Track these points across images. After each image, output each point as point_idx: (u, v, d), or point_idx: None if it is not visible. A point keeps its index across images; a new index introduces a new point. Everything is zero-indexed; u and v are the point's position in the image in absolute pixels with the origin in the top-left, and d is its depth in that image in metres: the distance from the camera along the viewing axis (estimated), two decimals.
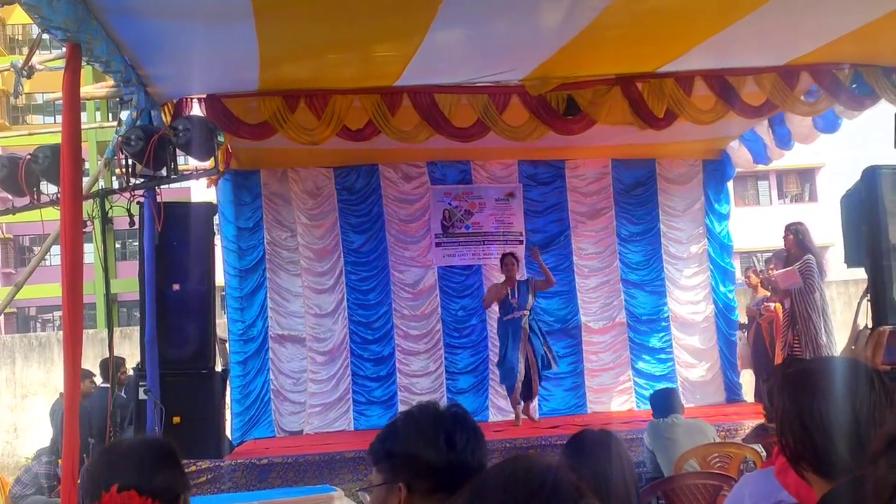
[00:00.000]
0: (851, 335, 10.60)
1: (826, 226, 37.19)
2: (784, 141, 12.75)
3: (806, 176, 43.75)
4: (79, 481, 2.90)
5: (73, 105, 6.25)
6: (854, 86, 10.87)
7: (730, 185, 14.94)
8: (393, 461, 2.68)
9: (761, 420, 9.00)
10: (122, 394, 11.81)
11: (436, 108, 10.45)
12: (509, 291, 12.06)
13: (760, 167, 15.52)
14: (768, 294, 13.02)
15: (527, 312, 12.02)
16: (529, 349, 11.88)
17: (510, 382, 11.94)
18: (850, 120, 11.74)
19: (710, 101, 10.79)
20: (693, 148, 13.81)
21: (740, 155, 13.99)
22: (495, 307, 12.44)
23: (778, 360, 11.76)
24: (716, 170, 14.37)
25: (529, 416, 12.11)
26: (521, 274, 12.77)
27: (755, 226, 33.65)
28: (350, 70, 10.05)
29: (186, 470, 3.05)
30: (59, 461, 11.64)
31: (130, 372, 11.43)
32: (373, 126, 10.41)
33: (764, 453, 7.73)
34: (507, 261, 12.23)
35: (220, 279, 11.02)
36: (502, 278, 13.34)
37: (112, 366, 9.18)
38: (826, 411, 2.42)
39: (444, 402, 2.96)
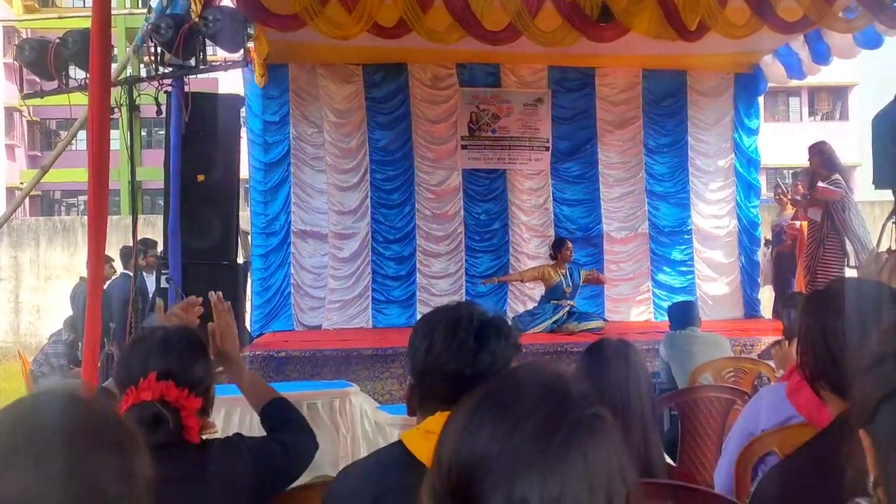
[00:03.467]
0: (868, 257, 10.57)
1: (855, 145, 36.94)
2: (822, 56, 12.51)
3: (838, 94, 43.27)
4: (115, 366, 2.94)
5: None
6: (895, 3, 10.65)
7: (760, 100, 14.76)
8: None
9: (778, 337, 9.05)
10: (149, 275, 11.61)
11: (468, 10, 10.30)
12: (562, 279, 11.85)
13: (793, 83, 15.33)
14: (793, 212, 12.94)
15: (573, 302, 11.93)
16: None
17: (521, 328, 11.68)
18: (891, 38, 11.51)
19: (745, 15, 10.62)
20: (726, 61, 13.61)
21: (773, 70, 13.77)
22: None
23: (800, 278, 11.75)
24: (747, 84, 14.20)
25: None
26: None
27: (784, 142, 33.36)
28: None
29: None
30: (76, 341, 11.83)
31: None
32: (404, 24, 10.30)
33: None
34: (567, 246, 12.03)
35: (244, 172, 11.02)
36: (526, 184, 13.36)
37: (136, 252, 9.24)
38: (849, 330, 2.43)
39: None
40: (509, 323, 2.70)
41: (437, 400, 2.53)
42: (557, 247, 12.18)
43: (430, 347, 2.56)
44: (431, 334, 2.58)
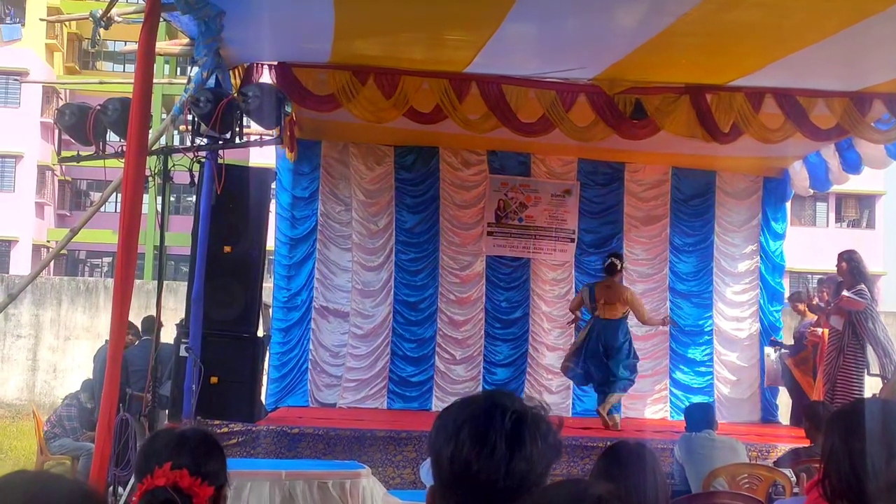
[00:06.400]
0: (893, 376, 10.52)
1: (881, 254, 36.88)
2: (853, 165, 12.52)
3: (866, 202, 43.31)
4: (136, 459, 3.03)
5: (146, 63, 6.31)
6: None
7: (787, 204, 14.76)
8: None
9: (795, 444, 8.98)
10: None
11: (503, 100, 10.41)
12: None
13: None
14: (815, 318, 12.85)
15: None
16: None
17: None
18: None
19: (779, 120, 10.69)
20: (755, 164, 13.67)
21: (800, 178, 13.80)
22: None
23: (819, 385, 11.68)
24: (776, 188, 14.22)
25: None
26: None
27: (809, 246, 33.33)
28: (421, 51, 10.07)
29: (219, 431, 3.14)
30: (88, 404, 11.85)
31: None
32: (440, 111, 10.42)
33: (794, 478, 7.68)
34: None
35: (270, 244, 11.08)
36: (549, 275, 13.37)
37: (158, 319, 9.26)
38: (877, 455, 2.43)
39: (481, 390, 2.45)
40: (548, 412, 2.28)
41: None
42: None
43: (456, 453, 2.18)
44: (457, 436, 2.20)
